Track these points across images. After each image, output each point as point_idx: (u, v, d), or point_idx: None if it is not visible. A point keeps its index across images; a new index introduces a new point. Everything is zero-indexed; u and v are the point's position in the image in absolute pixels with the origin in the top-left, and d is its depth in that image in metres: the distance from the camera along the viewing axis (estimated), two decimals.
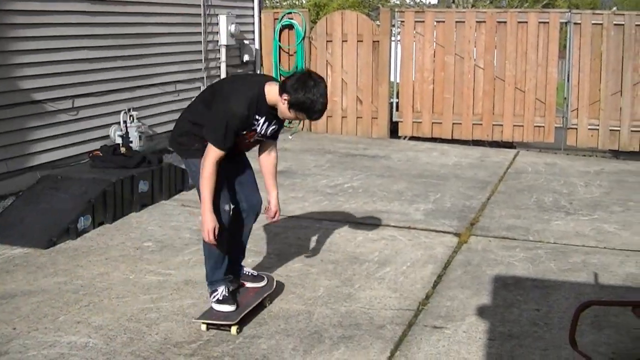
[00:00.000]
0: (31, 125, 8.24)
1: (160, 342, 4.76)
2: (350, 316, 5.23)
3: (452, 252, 6.70)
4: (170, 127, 10.91)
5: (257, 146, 5.19)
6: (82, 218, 6.94)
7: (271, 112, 4.82)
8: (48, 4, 8.40)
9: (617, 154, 12.11)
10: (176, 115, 11.09)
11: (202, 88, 11.59)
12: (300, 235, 7.01)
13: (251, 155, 5.20)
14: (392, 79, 12.97)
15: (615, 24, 11.75)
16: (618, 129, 11.92)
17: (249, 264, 5.79)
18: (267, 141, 5.14)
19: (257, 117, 4.78)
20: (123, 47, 9.77)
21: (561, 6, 23.58)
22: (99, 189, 7.26)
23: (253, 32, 13.25)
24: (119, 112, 9.57)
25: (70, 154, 8.81)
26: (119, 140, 9.15)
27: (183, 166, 8.82)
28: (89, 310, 5.22)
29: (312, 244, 6.78)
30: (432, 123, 12.68)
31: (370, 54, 12.74)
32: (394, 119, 12.91)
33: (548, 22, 12.00)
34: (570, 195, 8.85)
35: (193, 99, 5.43)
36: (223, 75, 12.14)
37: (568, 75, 12.12)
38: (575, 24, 11.91)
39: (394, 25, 12.75)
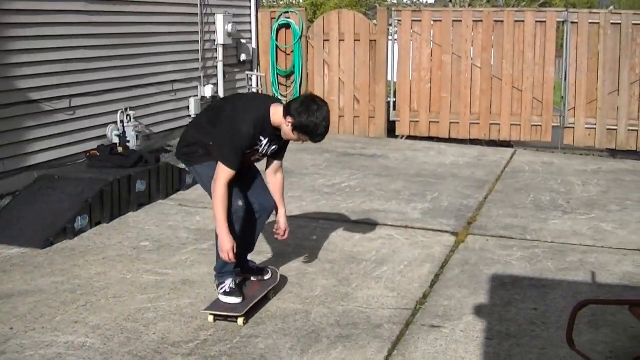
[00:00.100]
0: (28, 125, 8.24)
1: (158, 341, 4.75)
2: (347, 315, 5.23)
3: (449, 252, 6.70)
4: (167, 126, 11.04)
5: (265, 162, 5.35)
6: (79, 218, 6.94)
7: (275, 134, 4.97)
8: (45, 3, 8.39)
9: (614, 153, 12.11)
10: (173, 115, 11.22)
11: (199, 87, 11.61)
12: (297, 234, 7.00)
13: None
14: (389, 78, 12.97)
15: (612, 23, 11.75)
16: (615, 128, 11.93)
17: None
18: (274, 161, 5.31)
19: (261, 137, 4.92)
20: (120, 46, 9.77)
21: (558, 5, 23.60)
22: (96, 188, 7.25)
23: (250, 31, 13.26)
24: (116, 111, 9.57)
25: (67, 153, 8.81)
26: (116, 140, 9.15)
27: (180, 166, 8.83)
28: (86, 310, 5.21)
29: (310, 244, 6.78)
30: (430, 122, 12.68)
31: (368, 53, 12.74)
32: (392, 118, 12.91)
33: (545, 21, 12.01)
34: (568, 195, 8.86)
35: (196, 116, 5.55)
36: (220, 74, 12.13)
37: (565, 74, 12.12)
38: (572, 23, 11.91)
39: (391, 25, 12.76)
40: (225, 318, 5.08)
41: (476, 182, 9.43)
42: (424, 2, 24.10)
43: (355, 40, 12.76)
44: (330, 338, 4.86)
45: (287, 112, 4.82)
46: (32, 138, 8.31)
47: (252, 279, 5.50)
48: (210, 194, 4.98)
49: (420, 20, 12.54)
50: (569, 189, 9.15)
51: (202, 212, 7.74)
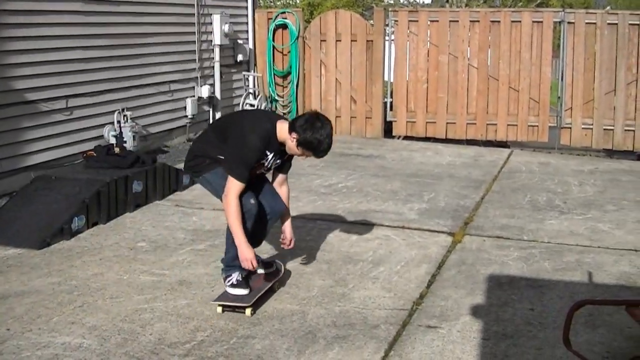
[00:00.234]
0: (25, 126, 8.23)
1: (155, 342, 4.75)
2: (344, 316, 5.23)
3: (446, 252, 6.70)
4: (164, 126, 11.04)
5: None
6: (76, 218, 6.93)
7: (280, 149, 5.24)
8: (41, 3, 8.39)
9: (610, 153, 12.13)
10: (170, 115, 11.21)
11: (196, 88, 11.61)
12: (294, 235, 6.99)
13: None
14: (386, 78, 12.97)
15: (608, 23, 11.78)
16: (612, 128, 11.95)
17: None
18: (279, 175, 5.61)
19: (267, 152, 5.18)
20: (117, 47, 9.77)
21: (555, 5, 23.62)
22: (93, 189, 7.24)
23: (247, 31, 13.27)
24: (112, 112, 9.58)
25: (64, 154, 8.81)
26: (112, 140, 9.15)
27: (177, 166, 8.83)
28: (83, 311, 5.21)
29: (306, 244, 6.77)
30: (426, 122, 12.69)
31: (364, 54, 12.74)
32: (388, 119, 12.92)
33: (542, 22, 12.02)
34: (564, 195, 8.86)
35: (203, 132, 5.91)
36: (217, 75, 12.13)
37: (562, 74, 12.14)
38: (568, 23, 11.92)
39: (387, 25, 12.77)
40: (234, 309, 5.21)
41: (473, 183, 9.44)
42: (421, 2, 24.10)
43: (352, 41, 12.77)
44: (327, 339, 4.86)
45: (292, 129, 5.09)
46: (29, 138, 8.31)
47: (260, 271, 5.60)
48: (221, 200, 5.22)
49: (417, 21, 12.55)
50: (565, 189, 9.16)
51: (198, 212, 7.74)
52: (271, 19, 13.25)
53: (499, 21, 12.19)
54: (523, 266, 6.31)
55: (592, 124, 12.02)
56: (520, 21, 12.10)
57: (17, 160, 8.16)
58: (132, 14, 10.06)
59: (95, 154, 8.16)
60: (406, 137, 12.87)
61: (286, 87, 13.37)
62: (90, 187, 7.28)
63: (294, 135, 5.07)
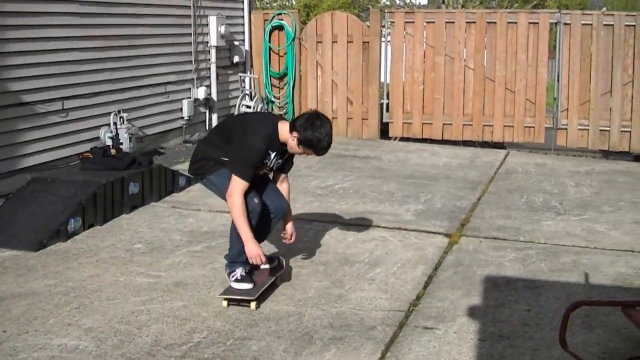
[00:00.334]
0: (21, 127, 8.23)
1: (151, 344, 4.75)
2: (340, 317, 5.23)
3: (442, 253, 6.70)
4: (161, 128, 11.03)
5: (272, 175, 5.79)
6: (72, 220, 6.92)
7: (282, 148, 5.39)
8: (37, 5, 8.38)
9: (607, 154, 12.15)
10: (166, 117, 11.22)
11: (192, 89, 11.60)
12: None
13: None
14: (382, 79, 12.97)
15: (604, 24, 11.79)
16: (608, 129, 11.96)
17: None
18: (281, 174, 5.76)
19: (269, 152, 5.33)
20: (113, 48, 9.76)
21: (551, 7, 23.65)
22: (89, 190, 7.24)
23: (243, 33, 13.27)
24: (109, 113, 9.57)
25: (60, 155, 8.80)
26: (109, 142, 9.15)
27: (173, 168, 8.83)
28: (79, 313, 5.20)
29: (303, 245, 6.77)
30: (423, 124, 12.70)
31: (361, 55, 12.75)
32: (385, 120, 12.92)
33: (538, 23, 12.03)
34: (561, 196, 8.87)
35: (206, 135, 6.01)
36: (213, 76, 12.13)
37: (558, 75, 12.15)
38: (565, 24, 11.94)
39: (384, 26, 12.77)
40: (239, 302, 5.35)
41: (469, 184, 9.44)
42: (417, 3, 24.11)
43: (348, 42, 12.78)
44: (324, 340, 4.86)
45: (292, 128, 5.25)
46: (25, 140, 8.30)
47: (263, 267, 5.70)
48: (225, 200, 5.31)
49: (413, 22, 12.56)
50: (562, 190, 9.16)
51: (195, 214, 7.74)
52: (267, 20, 13.26)
53: (495, 22, 12.20)
54: (519, 267, 6.31)
55: (589, 125, 12.03)
56: (516, 22, 12.11)
57: (13, 162, 8.15)
58: (128, 16, 10.05)
59: (91, 156, 8.15)
60: (402, 139, 12.87)
61: (282, 88, 13.37)
62: (86, 188, 7.27)
63: (295, 134, 5.22)
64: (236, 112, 12.75)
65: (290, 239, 5.86)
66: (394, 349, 4.77)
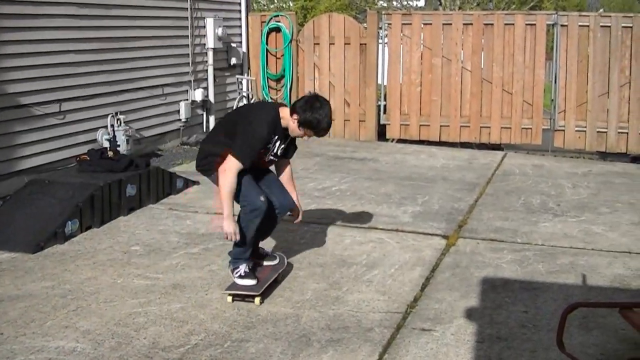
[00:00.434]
0: (18, 129, 8.22)
1: (149, 346, 4.74)
2: (338, 319, 5.23)
3: (440, 255, 6.70)
4: (158, 130, 11.03)
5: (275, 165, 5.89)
6: (69, 222, 6.92)
7: (284, 133, 5.52)
8: (34, 7, 8.38)
9: (604, 156, 12.15)
10: (163, 119, 11.21)
11: (190, 91, 11.60)
12: (288, 238, 7.00)
13: None
14: (379, 81, 12.98)
15: (601, 26, 11.80)
16: (605, 130, 11.97)
17: None
18: (284, 160, 5.88)
19: (272, 137, 5.45)
20: (110, 50, 9.76)
21: (548, 8, 23.64)
22: (87, 193, 7.23)
23: (240, 35, 13.27)
24: (106, 115, 9.57)
25: (58, 158, 8.80)
26: (106, 144, 9.15)
27: (171, 169, 8.83)
28: (76, 315, 5.20)
29: (300, 247, 6.77)
30: (420, 125, 12.70)
31: (358, 57, 12.75)
32: (382, 122, 12.93)
33: (535, 24, 12.04)
34: (558, 197, 8.88)
35: (211, 130, 6.11)
36: (211, 78, 12.13)
37: (555, 77, 12.16)
38: (562, 25, 11.95)
39: (381, 28, 12.77)
40: (243, 298, 5.47)
41: (467, 185, 9.45)
42: (414, 5, 24.12)
43: (345, 44, 12.78)
44: (321, 342, 4.86)
45: (292, 111, 5.40)
46: (22, 142, 8.29)
47: (265, 263, 5.90)
48: (240, 204, 5.49)
49: (411, 24, 12.56)
50: (559, 192, 9.17)
51: (192, 216, 7.73)
52: (265, 22, 13.26)
53: (492, 24, 12.21)
54: (517, 269, 6.31)
55: (586, 127, 12.05)
56: (513, 24, 12.11)
57: (10, 164, 8.14)
58: (125, 18, 10.05)
59: (88, 158, 8.14)
60: (400, 140, 12.88)
61: (280, 90, 13.37)
62: (83, 191, 7.27)
63: (295, 116, 5.37)
64: None
65: (298, 217, 5.96)
66: (392, 350, 4.77)
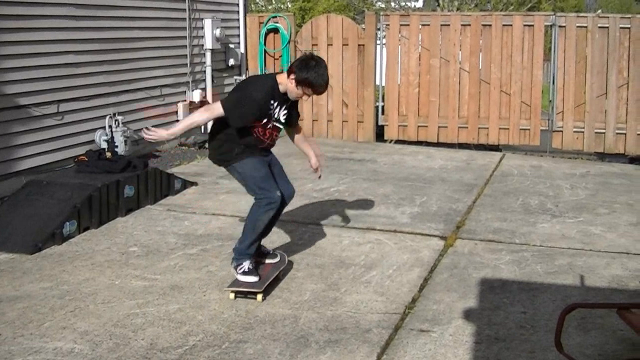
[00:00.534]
0: (16, 130, 8.22)
1: (146, 347, 4.74)
2: (336, 320, 5.23)
3: (438, 256, 6.70)
4: None
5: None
6: (67, 223, 6.91)
7: (283, 98, 5.64)
8: (32, 8, 8.37)
9: (602, 157, 12.16)
10: (161, 120, 11.18)
11: (188, 92, 11.60)
12: (286, 239, 7.01)
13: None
14: (377, 82, 12.98)
15: (599, 27, 11.80)
16: (603, 131, 11.97)
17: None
18: (293, 127, 6.05)
19: (272, 102, 5.57)
20: (108, 51, 9.76)
21: (546, 9, 23.67)
22: (85, 194, 7.23)
23: (238, 36, 13.27)
24: (104, 116, 9.57)
25: (56, 158, 8.79)
26: (104, 145, 9.14)
27: (168, 170, 8.82)
28: (74, 316, 5.20)
29: (298, 248, 6.77)
30: (418, 126, 12.70)
31: (356, 58, 12.75)
32: (380, 123, 12.93)
33: (533, 25, 12.05)
34: (556, 198, 8.88)
35: (216, 120, 5.93)
36: (209, 79, 12.13)
37: (553, 78, 12.17)
38: (560, 26, 11.96)
39: (379, 29, 12.78)
40: (245, 295, 5.53)
41: (465, 186, 9.45)
42: (412, 6, 24.14)
43: (343, 45, 12.78)
44: (319, 343, 4.86)
45: (289, 72, 5.53)
46: (20, 143, 8.29)
47: (267, 261, 5.98)
48: (255, 197, 5.60)
49: (409, 25, 12.56)
50: (557, 193, 9.17)
51: (190, 217, 7.73)
52: (263, 23, 13.25)
53: (490, 25, 12.21)
54: (515, 269, 6.31)
55: (584, 127, 12.05)
56: (511, 25, 12.12)
57: (8, 165, 8.14)
58: (123, 19, 10.05)
59: (86, 159, 8.14)
60: (398, 141, 12.88)
61: None
62: (81, 191, 7.26)
63: (292, 76, 5.50)
64: None
65: (317, 170, 6.15)
66: (390, 351, 4.77)
